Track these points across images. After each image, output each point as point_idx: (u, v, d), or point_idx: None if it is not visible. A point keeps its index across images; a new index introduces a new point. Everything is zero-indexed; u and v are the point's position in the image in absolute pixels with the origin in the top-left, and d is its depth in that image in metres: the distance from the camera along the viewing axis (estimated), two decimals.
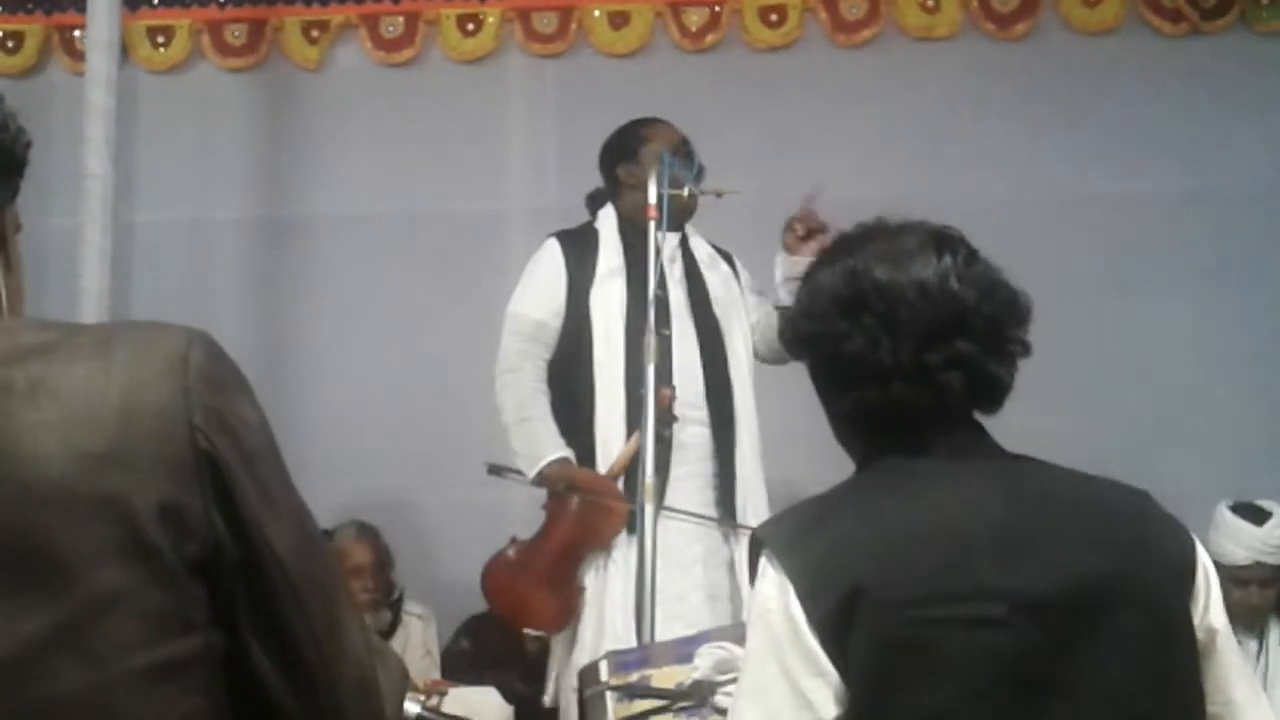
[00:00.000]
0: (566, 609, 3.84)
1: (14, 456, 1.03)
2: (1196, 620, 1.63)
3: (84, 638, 1.02)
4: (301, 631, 1.14)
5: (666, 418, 3.62)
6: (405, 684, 1.32)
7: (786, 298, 3.56)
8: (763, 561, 1.62)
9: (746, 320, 3.96)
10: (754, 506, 3.82)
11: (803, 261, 3.23)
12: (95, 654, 1.02)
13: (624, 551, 3.76)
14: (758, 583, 1.62)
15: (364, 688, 1.20)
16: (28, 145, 1.21)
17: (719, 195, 3.84)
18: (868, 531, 1.61)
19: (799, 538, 1.63)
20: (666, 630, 3.29)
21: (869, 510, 1.65)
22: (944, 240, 1.72)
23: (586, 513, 3.79)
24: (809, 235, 3.66)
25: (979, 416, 1.72)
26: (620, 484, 3.74)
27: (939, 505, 1.63)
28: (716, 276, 3.98)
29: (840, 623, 1.53)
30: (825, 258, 1.78)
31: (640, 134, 3.94)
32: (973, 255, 1.72)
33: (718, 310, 3.94)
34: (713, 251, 4.02)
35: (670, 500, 3.66)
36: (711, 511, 3.79)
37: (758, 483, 3.87)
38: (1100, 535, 1.63)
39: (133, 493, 1.04)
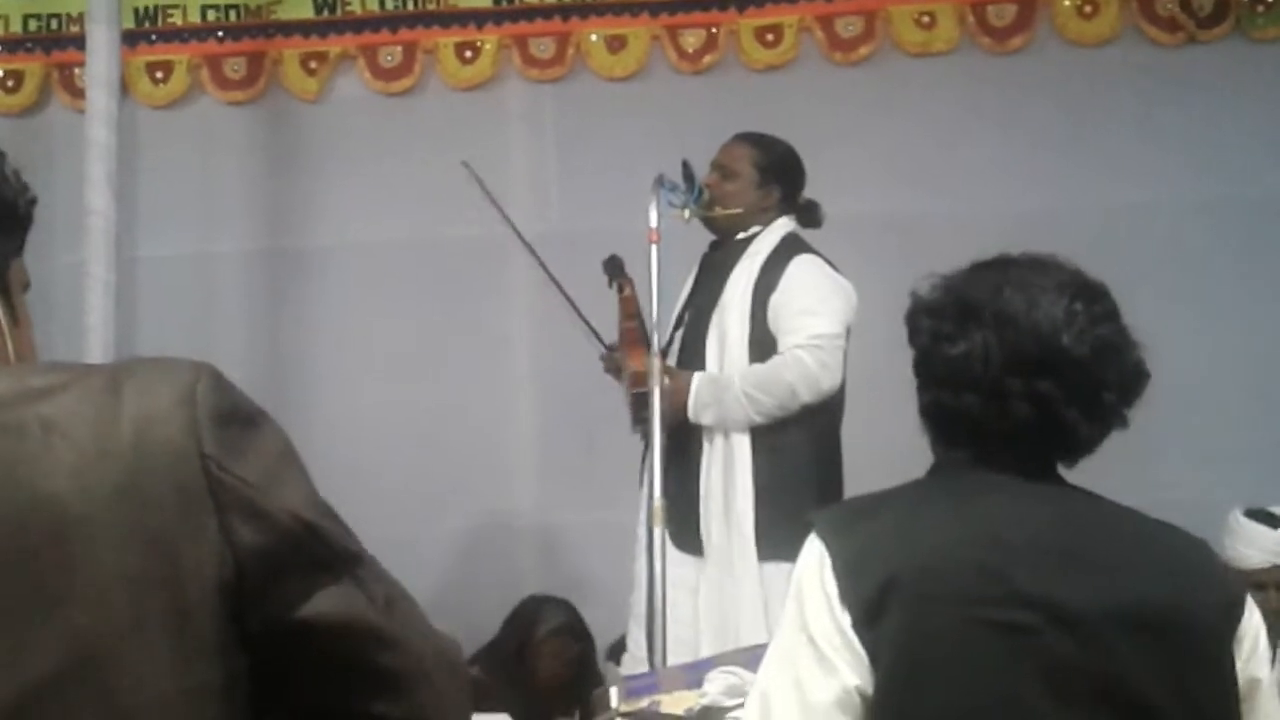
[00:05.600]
0: None
1: (32, 496, 1.04)
2: (1240, 665, 1.65)
3: (105, 667, 1.03)
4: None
5: None
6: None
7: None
8: (809, 537, 1.68)
9: (745, 327, 3.79)
10: (730, 531, 3.70)
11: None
12: (117, 683, 1.04)
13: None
14: (800, 557, 1.68)
15: (448, 659, 1.23)
16: (32, 201, 1.22)
17: (717, 215, 3.88)
18: (913, 528, 1.67)
19: (847, 523, 1.70)
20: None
21: (920, 508, 1.71)
22: (1082, 293, 1.74)
23: None
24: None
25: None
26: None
27: (990, 513, 1.68)
28: (744, 279, 3.84)
29: (873, 610, 1.58)
30: (975, 266, 1.80)
31: None
32: (1107, 316, 1.73)
33: (716, 319, 3.85)
34: (768, 257, 3.85)
35: None
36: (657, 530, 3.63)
37: (742, 507, 3.71)
38: (1145, 568, 1.66)
39: (148, 524, 1.05)
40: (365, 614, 1.15)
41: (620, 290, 3.97)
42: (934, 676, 1.57)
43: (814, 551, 1.66)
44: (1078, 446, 1.72)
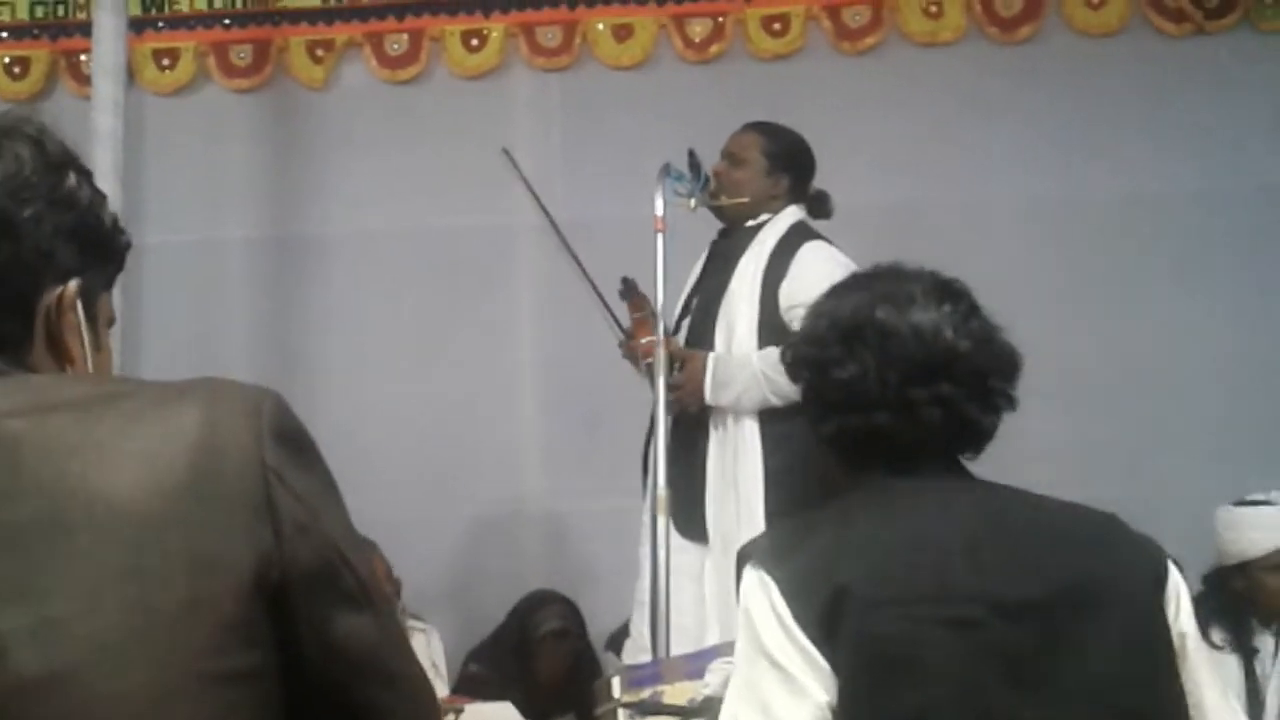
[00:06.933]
0: None
1: (104, 484, 1.10)
2: (1170, 623, 1.70)
3: (157, 642, 1.08)
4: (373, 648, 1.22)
5: None
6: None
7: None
8: (747, 569, 1.70)
9: (753, 315, 3.80)
10: (739, 518, 3.69)
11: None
12: (165, 656, 1.09)
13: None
14: (741, 588, 1.70)
15: (439, 708, 1.32)
16: (127, 245, 1.30)
17: (723, 204, 3.88)
18: (850, 539, 1.70)
19: (783, 547, 1.72)
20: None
21: (850, 522, 1.74)
22: (947, 292, 1.80)
23: None
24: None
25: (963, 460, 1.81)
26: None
27: (916, 518, 1.72)
28: (752, 267, 3.84)
29: (828, 623, 1.60)
30: (835, 291, 1.86)
31: None
32: (973, 310, 1.80)
33: (724, 306, 3.86)
34: (777, 245, 3.85)
35: None
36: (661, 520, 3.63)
37: (752, 494, 3.71)
38: (1074, 548, 1.71)
39: (208, 518, 1.11)
40: (380, 650, 1.21)
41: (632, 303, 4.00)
42: (891, 680, 1.59)
43: (755, 580, 1.67)
44: (981, 437, 1.79)
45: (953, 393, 1.74)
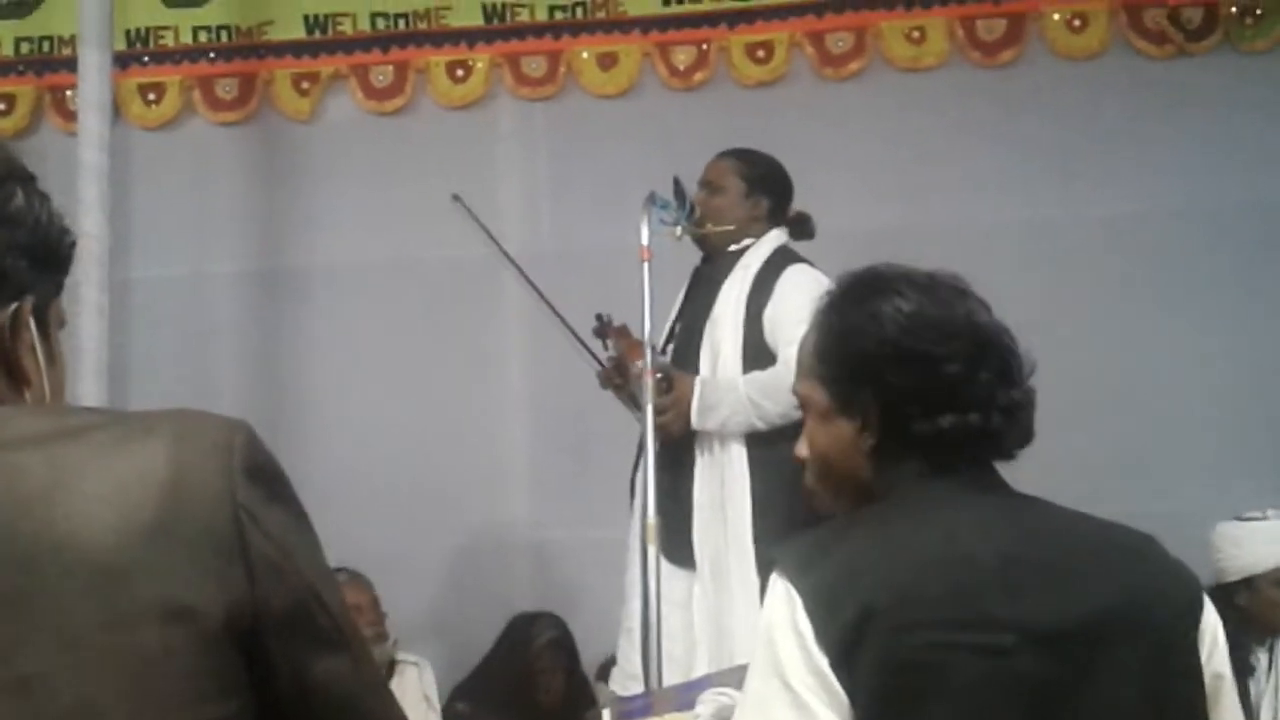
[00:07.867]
0: None
1: (71, 527, 1.07)
2: (1204, 662, 1.64)
3: (133, 694, 1.07)
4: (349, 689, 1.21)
5: None
6: None
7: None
8: (773, 578, 1.64)
9: (737, 339, 3.80)
10: (727, 544, 3.67)
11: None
12: (143, 709, 1.07)
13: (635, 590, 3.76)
14: (766, 599, 1.64)
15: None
16: (72, 244, 1.26)
17: (709, 232, 3.89)
18: (880, 554, 1.63)
19: (811, 557, 1.64)
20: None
21: (883, 534, 1.67)
22: (972, 292, 1.75)
23: None
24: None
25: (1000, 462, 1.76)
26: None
27: (952, 533, 1.65)
28: (735, 292, 3.85)
29: (850, 643, 1.54)
30: (882, 287, 1.73)
31: None
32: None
33: (708, 331, 3.86)
34: (760, 270, 3.85)
35: None
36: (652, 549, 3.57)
37: (740, 520, 3.68)
38: (1109, 573, 1.65)
39: (179, 561, 1.09)
40: (357, 690, 1.20)
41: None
42: (910, 708, 1.54)
43: (781, 592, 1.60)
44: (1031, 437, 1.74)
45: (1028, 394, 1.71)
